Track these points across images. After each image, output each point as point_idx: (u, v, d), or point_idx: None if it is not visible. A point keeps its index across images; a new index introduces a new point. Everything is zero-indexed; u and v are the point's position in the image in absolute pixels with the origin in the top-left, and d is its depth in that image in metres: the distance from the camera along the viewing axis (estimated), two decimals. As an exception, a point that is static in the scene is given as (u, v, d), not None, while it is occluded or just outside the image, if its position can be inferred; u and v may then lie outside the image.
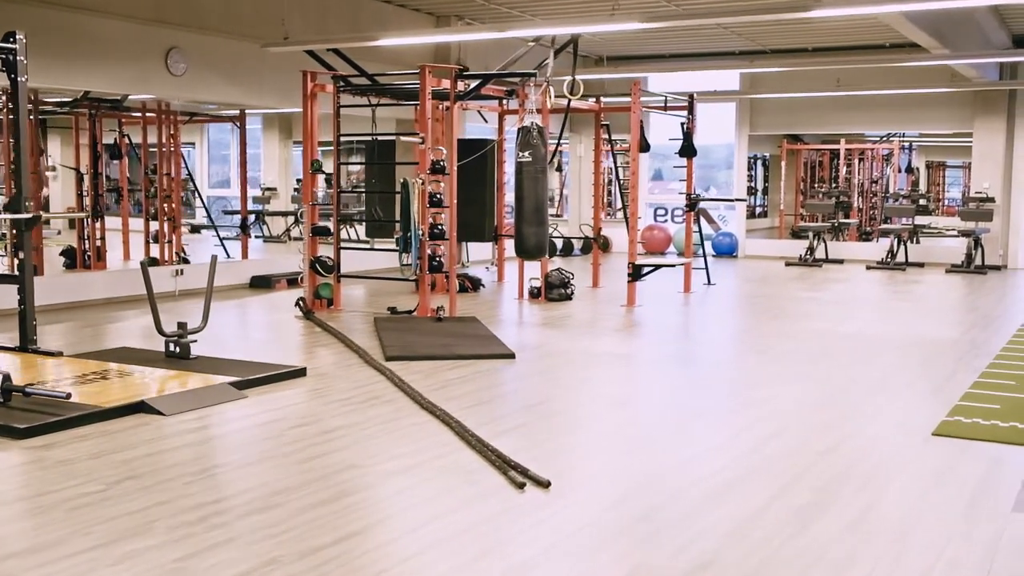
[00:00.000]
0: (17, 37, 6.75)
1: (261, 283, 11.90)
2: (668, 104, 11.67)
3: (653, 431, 5.37)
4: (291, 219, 18.83)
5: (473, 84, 9.68)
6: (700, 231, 13.14)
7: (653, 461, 4.75)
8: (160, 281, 10.89)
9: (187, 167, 15.96)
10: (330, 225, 10.18)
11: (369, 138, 10.75)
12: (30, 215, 6.83)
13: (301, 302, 9.51)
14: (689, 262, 11.72)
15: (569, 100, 10.26)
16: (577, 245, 17.00)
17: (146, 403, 5.43)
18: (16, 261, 7.25)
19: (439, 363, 7.02)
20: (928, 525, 3.87)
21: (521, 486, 4.18)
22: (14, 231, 7.12)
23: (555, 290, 10.79)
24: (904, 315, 10.27)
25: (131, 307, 9.97)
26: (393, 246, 12.23)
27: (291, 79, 9.91)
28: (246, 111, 13.79)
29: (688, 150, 11.80)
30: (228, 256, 14.34)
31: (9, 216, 6.89)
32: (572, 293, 10.92)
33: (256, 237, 18.67)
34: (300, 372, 6.51)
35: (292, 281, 11.66)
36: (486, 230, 13.66)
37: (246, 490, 4.19)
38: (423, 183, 9.08)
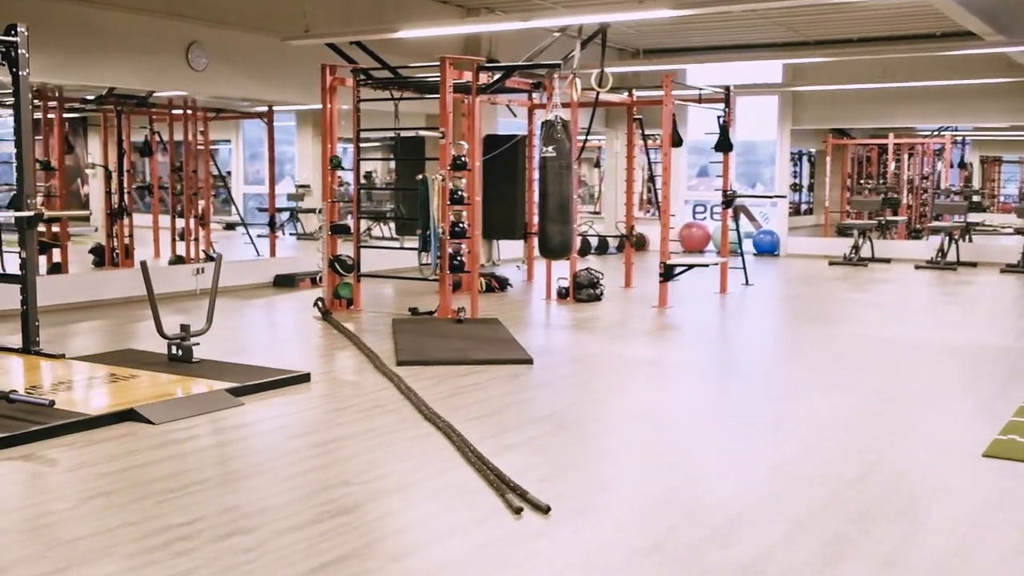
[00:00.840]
0: (19, 30, 6.50)
1: (285, 282, 11.65)
2: (703, 97, 11.22)
3: (673, 447, 4.98)
4: (285, 215, 18.56)
5: (496, 77, 9.31)
6: (739, 229, 12.66)
7: (669, 482, 4.36)
8: (181, 279, 10.73)
9: (216, 164, 15.79)
10: (351, 223, 9.88)
11: (393, 134, 10.43)
12: (32, 213, 6.59)
13: (320, 302, 9.22)
14: (725, 261, 11.27)
15: (598, 93, 9.88)
16: (613, 243, 16.57)
17: (136, 411, 5.14)
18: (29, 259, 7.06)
19: (452, 368, 6.68)
20: (978, 563, 3.45)
21: (518, 511, 3.82)
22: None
23: (584, 290, 10.41)
24: (953, 319, 9.74)
25: (143, 307, 9.73)
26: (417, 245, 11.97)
27: (315, 74, 9.62)
28: (273, 107, 13.53)
29: (724, 145, 11.35)
30: (258, 254, 14.15)
31: (10, 215, 6.65)
32: (602, 294, 10.53)
33: (291, 234, 18.52)
34: (304, 378, 6.20)
35: (316, 280, 11.38)
36: (516, 228, 13.33)
37: (223, 510, 3.88)
38: (443, 179, 8.74)
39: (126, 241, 13.03)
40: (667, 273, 10.04)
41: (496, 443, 4.81)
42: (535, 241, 12.57)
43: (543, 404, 5.79)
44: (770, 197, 15.72)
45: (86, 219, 11.43)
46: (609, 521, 3.82)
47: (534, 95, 12.10)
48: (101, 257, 13.07)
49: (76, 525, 3.70)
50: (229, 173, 20.28)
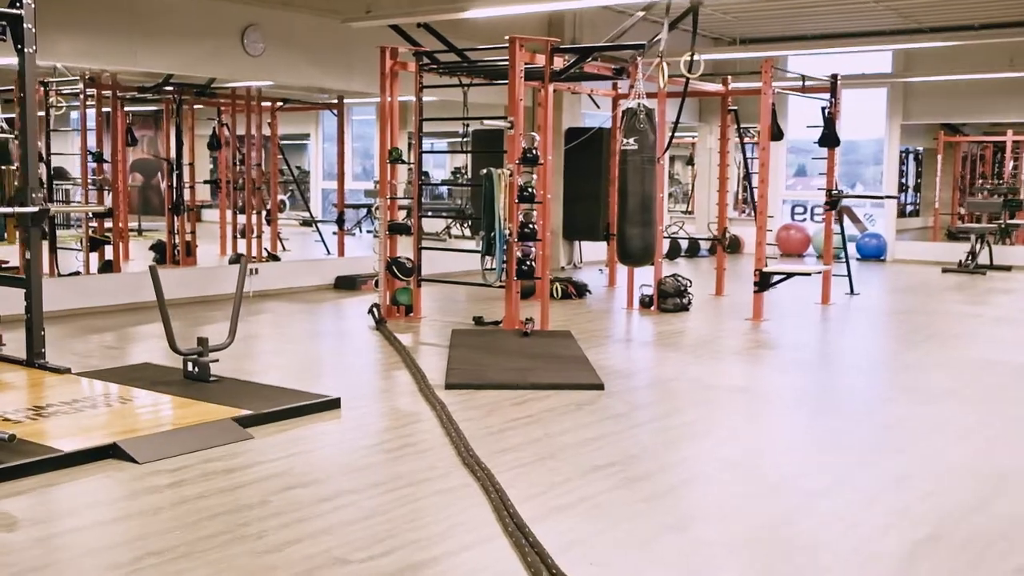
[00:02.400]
0: (24, 1, 5.77)
1: (345, 284, 10.85)
2: (807, 86, 10.05)
3: (771, 515, 3.94)
4: (363, 212, 17.81)
5: (571, 60, 8.32)
6: (844, 232, 11.43)
7: (755, 562, 3.34)
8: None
9: (285, 158, 15.14)
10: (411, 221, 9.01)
11: (463, 126, 9.52)
12: (36, 209, 5.85)
13: (375, 309, 8.37)
14: (828, 269, 10.07)
15: (687, 80, 8.82)
16: (704, 246, 15.42)
17: (119, 446, 4.32)
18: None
19: (508, 394, 5.73)
20: None
21: (557, 617, 2.86)
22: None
23: (669, 299, 9.36)
24: (1096, 339, 8.42)
25: (202, 309, 9.02)
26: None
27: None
28: (344, 98, 12.76)
29: (830, 139, 10.16)
30: (328, 253, 13.46)
31: (15, 210, 5.92)
32: (689, 303, 9.47)
33: (368, 231, 17.80)
34: (333, 404, 5.33)
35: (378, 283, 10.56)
36: (599, 228, 12.35)
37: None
38: (511, 174, 7.81)
39: (188, 238, 12.45)
40: (763, 282, 8.93)
41: (544, 502, 3.85)
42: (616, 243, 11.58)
43: (609, 446, 4.81)
44: (879, 198, 14.36)
45: (109, 213, 10.77)
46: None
47: (618, 84, 11.10)
48: (162, 254, 12.50)
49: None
50: (303, 170, 19.70)
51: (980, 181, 18.81)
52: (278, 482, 4.08)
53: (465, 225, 16.48)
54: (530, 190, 7.97)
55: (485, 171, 7.77)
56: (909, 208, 20.70)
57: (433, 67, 8.70)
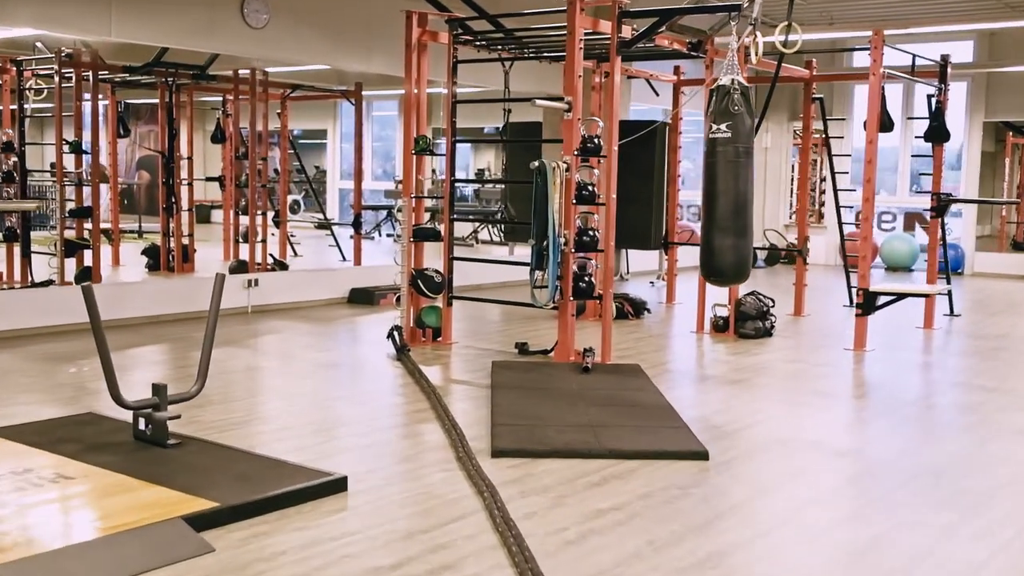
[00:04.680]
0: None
1: (361, 298, 9.29)
2: (917, 70, 8.40)
3: None
4: (383, 214, 16.30)
5: (645, 28, 6.72)
6: (944, 245, 9.75)
7: None
8: (230, 295, 8.45)
9: (297, 153, 13.62)
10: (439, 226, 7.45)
11: (503, 111, 7.94)
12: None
13: (396, 333, 6.80)
14: (946, 290, 8.38)
15: (780, 57, 7.24)
16: (760, 256, 13.79)
17: (-2, 574, 2.77)
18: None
19: (580, 466, 4.15)
20: None
21: None
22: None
23: (749, 322, 7.76)
24: None
25: (196, 327, 7.48)
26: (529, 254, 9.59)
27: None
28: (363, 86, 11.21)
29: (939, 133, 8.54)
30: (344, 259, 11.95)
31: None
32: (772, 327, 7.86)
33: (388, 235, 16.26)
34: (337, 485, 3.75)
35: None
36: (652, 235, 10.73)
37: None
38: (568, 169, 6.23)
39: (185, 241, 10.94)
40: (867, 304, 7.30)
41: None
42: (677, 253, 10.00)
43: (742, 568, 3.21)
44: (1000, 203, 12.65)
45: (85, 213, 9.27)
46: None
47: (681, 69, 9.53)
48: (156, 260, 11.00)
49: None
50: (320, 169, 18.24)
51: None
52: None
53: (496, 229, 14.92)
54: (590, 189, 6.40)
55: (537, 163, 6.19)
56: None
57: (470, 39, 7.14)
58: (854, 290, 9.57)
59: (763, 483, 4.15)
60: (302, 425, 4.85)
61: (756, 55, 6.58)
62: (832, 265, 13.90)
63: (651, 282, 11.26)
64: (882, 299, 7.41)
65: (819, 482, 4.18)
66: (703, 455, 4.32)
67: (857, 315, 7.34)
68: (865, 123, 7.25)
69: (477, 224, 14.93)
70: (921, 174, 9.14)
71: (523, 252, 12.18)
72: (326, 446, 4.44)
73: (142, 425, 4.13)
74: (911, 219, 14.85)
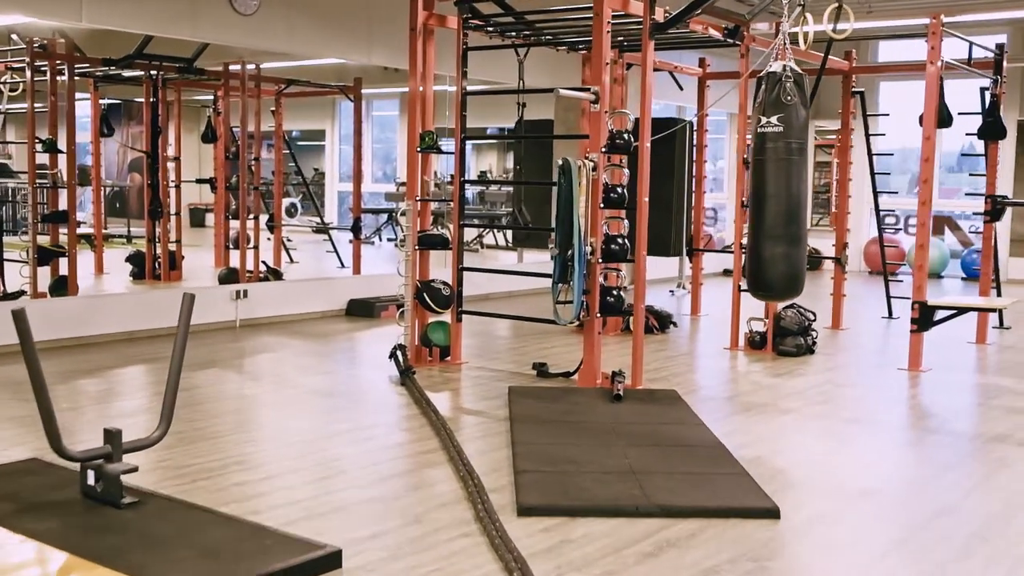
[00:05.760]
0: None
1: (361, 310, 8.53)
2: (973, 61, 7.63)
3: None
4: (383, 218, 15.56)
5: (679, 10, 5.96)
6: (995, 252, 8.98)
7: None
8: (217, 307, 7.72)
9: (292, 152, 12.87)
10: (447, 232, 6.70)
11: (517, 104, 7.19)
12: None
13: (399, 353, 6.04)
14: (1011, 302, 7.59)
15: (829, 42, 6.51)
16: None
17: None
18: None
19: (627, 528, 3.39)
20: None
21: None
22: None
23: (789, 339, 7.01)
24: None
25: (168, 345, 6.72)
26: (546, 261, 8.82)
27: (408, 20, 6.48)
28: (362, 81, 10.44)
29: (994, 129, 7.79)
30: (342, 265, 11.21)
31: None
32: (814, 343, 7.11)
33: (389, 239, 15.53)
34: (329, 562, 2.99)
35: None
36: (672, 241, 9.97)
37: None
38: (594, 168, 5.48)
39: (172, 247, 10.20)
40: (924, 319, 6.53)
41: None
42: (703, 261, 9.26)
43: None
44: None
45: (60, 217, 8.53)
46: None
47: (707, 62, 8.81)
48: (141, 268, 10.26)
49: None
50: (319, 171, 17.52)
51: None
52: None
53: (502, 234, 14.18)
54: (619, 191, 5.65)
55: (561, 161, 5.43)
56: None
57: (481, 23, 6.40)
58: (893, 301, 8.99)
59: (855, 552, 3.39)
60: (291, 472, 4.09)
61: (806, 41, 5.85)
62: (856, 271, 13.12)
63: (670, 291, 10.51)
64: (939, 313, 6.65)
65: (929, 552, 3.41)
66: (774, 513, 3.56)
67: (912, 331, 6.58)
68: (921, 117, 6.50)
69: (482, 228, 14.18)
70: (972, 175, 8.39)
71: (532, 259, 11.52)
72: (319, 501, 3.69)
73: (91, 479, 3.37)
74: (940, 223, 14.08)
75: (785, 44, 5.29)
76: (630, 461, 4.12)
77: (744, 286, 7.00)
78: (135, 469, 3.38)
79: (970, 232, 13.97)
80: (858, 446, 4.76)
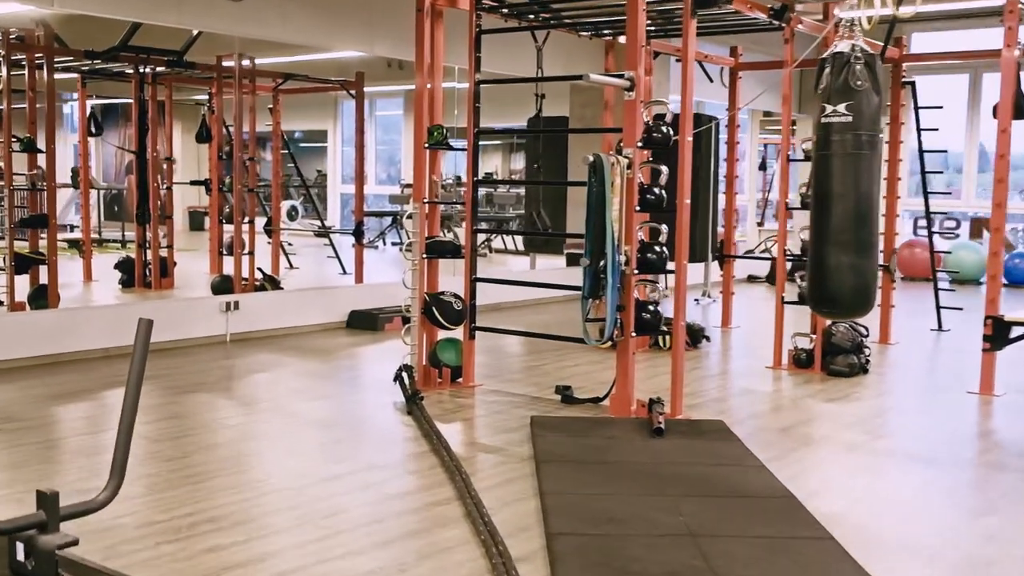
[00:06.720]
0: None
1: (363, 322, 7.82)
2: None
3: None
4: (387, 222, 14.89)
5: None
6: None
7: None
8: (205, 320, 7.02)
9: (291, 152, 12.19)
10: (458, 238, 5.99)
11: (535, 96, 6.50)
12: None
13: (405, 375, 5.32)
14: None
15: (892, 25, 5.80)
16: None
17: None
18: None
19: (695, 622, 2.68)
20: None
21: None
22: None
23: (841, 357, 6.27)
24: None
25: (167, 365, 6.01)
26: (561, 268, 8.16)
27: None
28: (364, 77, 9.71)
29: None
30: (344, 271, 10.55)
31: None
32: (867, 362, 6.38)
33: (394, 244, 14.85)
34: None
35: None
36: (698, 246, 9.26)
37: None
38: (629, 165, 4.76)
39: (163, 253, 9.53)
40: (999, 336, 5.79)
41: None
42: (734, 267, 8.54)
43: None
44: None
45: (40, 222, 7.89)
46: None
47: (739, 51, 8.09)
48: (131, 274, 9.58)
49: None
50: (322, 173, 16.88)
51: None
52: None
53: (512, 238, 13.48)
54: (656, 191, 4.93)
55: (592, 158, 4.71)
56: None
57: (495, 3, 5.69)
58: (943, 311, 8.28)
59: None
60: (277, 533, 3.37)
61: (867, 19, 5.13)
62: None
63: (696, 299, 9.78)
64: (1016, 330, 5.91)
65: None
66: (874, 594, 2.85)
67: (984, 350, 5.84)
68: (995, 108, 5.77)
69: (490, 232, 13.48)
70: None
71: (544, 264, 10.81)
72: (309, 575, 2.98)
73: (20, 554, 2.66)
74: (978, 225, 13.34)
75: (851, 24, 4.58)
76: (685, 519, 3.40)
77: (789, 297, 6.35)
78: (75, 542, 2.65)
79: (1013, 235, 13.23)
80: (947, 495, 4.03)
